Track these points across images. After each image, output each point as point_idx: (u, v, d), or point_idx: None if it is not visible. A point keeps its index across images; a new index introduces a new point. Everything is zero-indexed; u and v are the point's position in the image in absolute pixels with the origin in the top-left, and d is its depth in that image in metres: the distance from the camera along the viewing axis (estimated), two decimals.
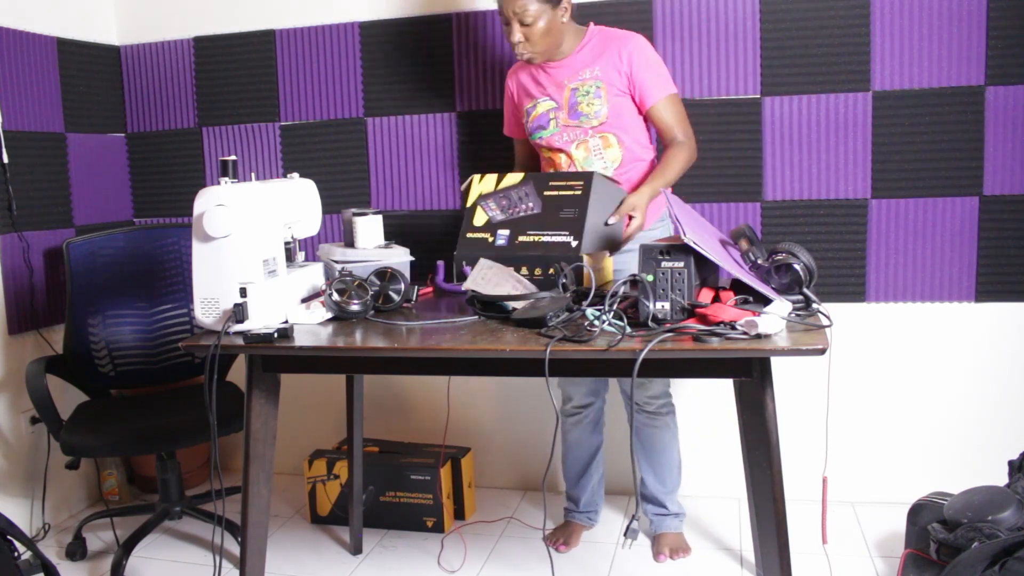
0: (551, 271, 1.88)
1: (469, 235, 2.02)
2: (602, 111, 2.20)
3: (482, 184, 2.10)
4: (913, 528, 2.04)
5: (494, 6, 2.67)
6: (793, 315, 1.62)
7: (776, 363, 1.66)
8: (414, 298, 1.97)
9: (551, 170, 2.32)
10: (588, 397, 2.48)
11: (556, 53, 2.22)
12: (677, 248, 1.62)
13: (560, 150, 2.26)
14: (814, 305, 1.70)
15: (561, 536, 2.53)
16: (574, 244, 1.90)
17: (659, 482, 2.46)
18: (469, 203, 2.08)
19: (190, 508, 2.60)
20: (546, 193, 2.01)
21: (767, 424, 1.62)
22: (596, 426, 2.53)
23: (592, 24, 2.27)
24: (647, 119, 2.26)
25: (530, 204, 2.01)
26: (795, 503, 2.59)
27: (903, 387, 2.63)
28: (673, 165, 2.18)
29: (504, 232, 2.00)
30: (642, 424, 2.42)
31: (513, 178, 2.08)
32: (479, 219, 2.05)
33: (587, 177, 1.98)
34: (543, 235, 1.95)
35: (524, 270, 1.92)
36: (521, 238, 1.97)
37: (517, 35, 2.13)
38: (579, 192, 1.97)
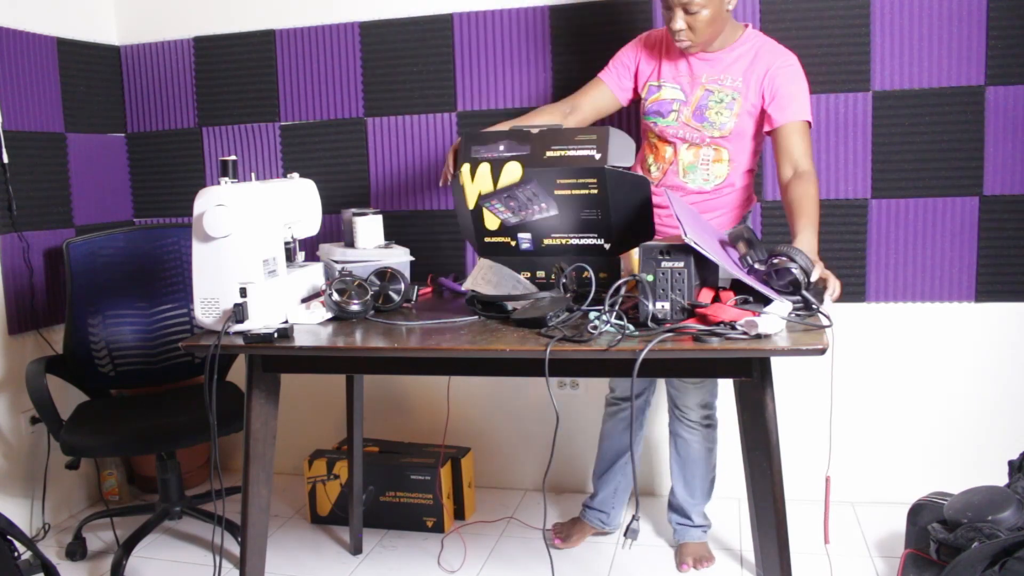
0: (584, 274, 1.82)
1: (487, 239, 1.94)
2: (728, 124, 2.08)
3: (477, 180, 1.91)
4: (913, 528, 2.04)
5: (494, 6, 2.69)
6: (793, 315, 1.62)
7: (776, 363, 1.66)
8: (414, 298, 1.97)
9: (649, 155, 2.21)
10: (628, 391, 2.39)
11: (712, 45, 2.08)
12: (677, 248, 1.62)
13: (670, 142, 2.16)
14: (814, 306, 1.70)
15: (563, 531, 2.52)
16: (607, 247, 1.86)
17: (688, 493, 2.41)
18: (471, 205, 1.94)
19: (190, 508, 2.60)
20: (557, 192, 1.85)
21: (767, 424, 1.62)
22: (629, 426, 2.40)
23: (750, 27, 2.15)
24: (772, 137, 2.07)
25: (543, 204, 1.89)
26: (795, 503, 2.59)
27: (903, 387, 2.63)
28: (816, 203, 1.94)
29: (526, 236, 1.91)
30: (679, 430, 2.35)
31: (511, 173, 1.87)
32: (491, 222, 1.94)
33: (599, 174, 1.81)
34: (570, 238, 1.88)
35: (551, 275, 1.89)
36: (547, 241, 1.90)
37: (680, 22, 1.98)
38: (596, 192, 1.82)
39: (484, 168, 1.90)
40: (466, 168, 1.91)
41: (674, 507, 2.47)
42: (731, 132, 2.09)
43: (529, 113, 2.22)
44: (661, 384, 2.57)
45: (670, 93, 2.14)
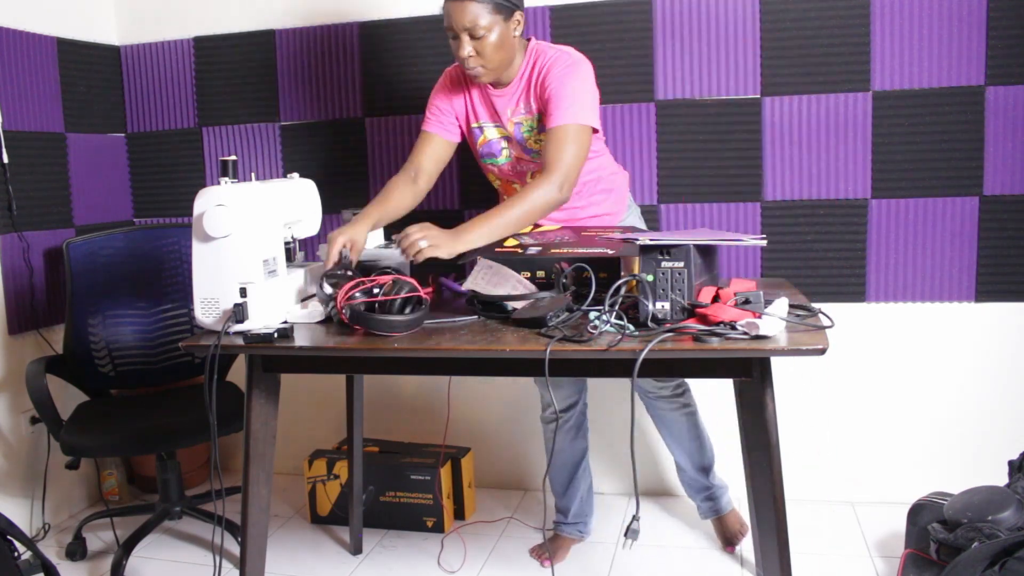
0: (584, 274, 1.84)
1: (497, 250, 1.95)
2: None
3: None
4: (913, 528, 2.04)
5: None
6: (793, 315, 1.62)
7: (776, 363, 1.66)
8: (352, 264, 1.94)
9: (505, 196, 2.24)
10: (569, 399, 2.39)
11: (504, 74, 2.05)
12: (677, 248, 1.62)
13: (514, 180, 2.20)
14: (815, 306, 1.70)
15: (547, 550, 2.46)
16: (611, 252, 1.88)
17: (697, 460, 2.41)
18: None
19: (190, 508, 2.60)
20: (584, 234, 2.01)
21: (767, 424, 1.62)
22: (579, 431, 2.44)
23: (533, 40, 2.10)
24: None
25: (567, 238, 1.99)
26: (795, 503, 2.59)
27: (903, 387, 2.63)
28: (516, 206, 1.92)
29: (536, 248, 1.95)
30: (662, 411, 2.36)
31: (550, 227, 2.10)
32: (509, 242, 1.99)
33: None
34: (577, 248, 1.91)
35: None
36: (554, 250, 1.92)
37: (467, 48, 1.94)
38: (619, 230, 2.01)
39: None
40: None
41: (688, 483, 2.48)
42: None
43: (380, 193, 2.16)
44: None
45: (493, 133, 2.15)
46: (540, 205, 1.93)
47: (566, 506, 2.50)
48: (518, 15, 1.99)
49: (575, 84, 1.99)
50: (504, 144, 2.15)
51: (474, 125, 2.17)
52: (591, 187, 2.18)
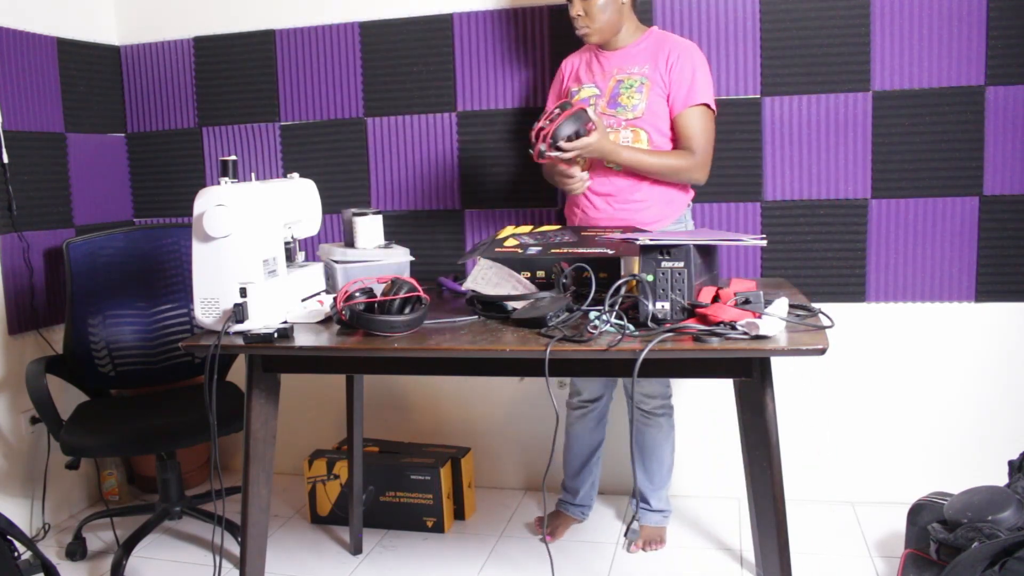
0: (584, 274, 1.85)
1: (497, 250, 2.00)
2: (640, 106, 2.21)
3: (516, 229, 2.15)
4: (913, 528, 2.04)
5: (494, 6, 2.69)
6: (793, 315, 1.62)
7: (776, 363, 1.66)
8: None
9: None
10: (599, 391, 2.51)
11: (613, 39, 2.26)
12: (677, 248, 1.62)
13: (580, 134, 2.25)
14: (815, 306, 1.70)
15: (550, 525, 2.58)
16: (610, 252, 1.89)
17: (647, 479, 2.50)
18: (500, 235, 2.10)
19: (190, 508, 2.60)
20: (584, 234, 2.05)
21: (767, 424, 1.62)
22: (600, 422, 2.55)
23: (655, 27, 2.32)
24: (673, 124, 2.24)
25: (567, 238, 2.04)
26: (795, 503, 2.60)
27: (903, 387, 2.63)
28: (665, 157, 2.20)
29: (536, 248, 1.99)
30: (638, 421, 2.45)
31: (550, 227, 2.15)
32: (509, 243, 2.04)
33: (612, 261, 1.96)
34: (577, 248, 1.94)
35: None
36: (554, 250, 1.95)
37: (579, 8, 2.18)
38: (618, 231, 2.02)
39: (526, 228, 2.15)
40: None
41: (634, 493, 2.50)
42: (644, 113, 2.22)
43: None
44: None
45: (587, 92, 2.30)
46: (684, 172, 2.22)
47: (575, 487, 2.60)
48: None
49: (704, 69, 2.24)
50: (593, 101, 2.28)
51: (574, 88, 2.34)
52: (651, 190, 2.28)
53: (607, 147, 2.12)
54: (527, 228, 2.15)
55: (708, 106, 2.22)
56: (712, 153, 2.25)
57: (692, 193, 2.37)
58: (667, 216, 2.29)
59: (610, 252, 1.87)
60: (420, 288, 1.76)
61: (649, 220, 2.25)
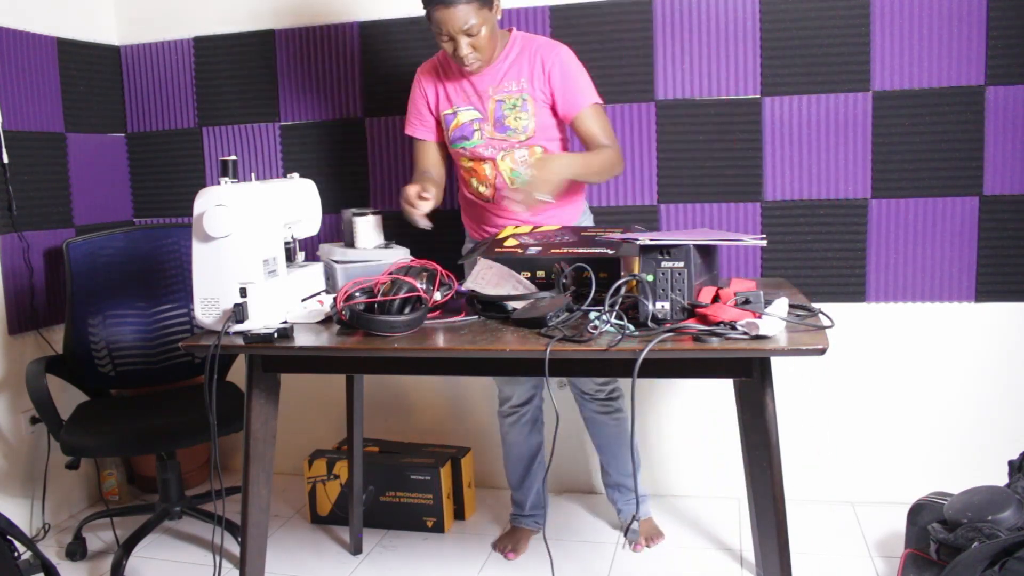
0: (584, 274, 1.84)
1: (497, 249, 1.99)
2: (529, 125, 2.18)
3: (516, 229, 2.13)
4: (913, 528, 2.04)
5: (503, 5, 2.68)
6: (793, 315, 1.62)
7: (776, 363, 1.66)
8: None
9: (472, 179, 2.28)
10: (526, 394, 2.45)
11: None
12: (677, 248, 1.62)
13: (484, 159, 2.23)
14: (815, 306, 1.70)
15: (509, 543, 2.50)
16: (611, 252, 1.88)
17: (619, 467, 2.47)
18: (501, 235, 2.09)
19: (190, 508, 2.60)
20: (584, 234, 2.03)
21: (767, 424, 1.62)
22: (535, 425, 2.50)
23: (514, 30, 2.22)
24: (573, 130, 2.22)
25: (567, 238, 2.01)
26: (795, 503, 2.60)
27: (903, 387, 2.63)
28: (596, 156, 2.13)
29: (536, 248, 1.97)
30: (595, 413, 2.42)
31: (550, 228, 2.12)
32: (509, 243, 2.03)
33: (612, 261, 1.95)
34: (577, 248, 1.93)
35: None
36: (554, 250, 1.94)
37: (466, 48, 2.05)
38: (619, 230, 2.01)
39: (525, 228, 2.12)
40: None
41: (611, 485, 2.53)
42: (536, 131, 2.18)
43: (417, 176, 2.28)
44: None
45: (466, 115, 2.22)
46: (613, 164, 2.16)
47: (522, 498, 2.55)
48: (497, 2, 2.10)
49: (580, 67, 2.18)
50: (476, 125, 2.21)
51: (447, 112, 2.25)
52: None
53: (552, 176, 1.98)
54: (527, 228, 2.14)
55: (598, 103, 2.18)
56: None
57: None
58: (579, 206, 2.33)
59: (610, 252, 1.87)
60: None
61: (571, 215, 2.30)
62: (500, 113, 2.18)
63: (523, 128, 2.18)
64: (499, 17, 2.13)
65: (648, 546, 2.46)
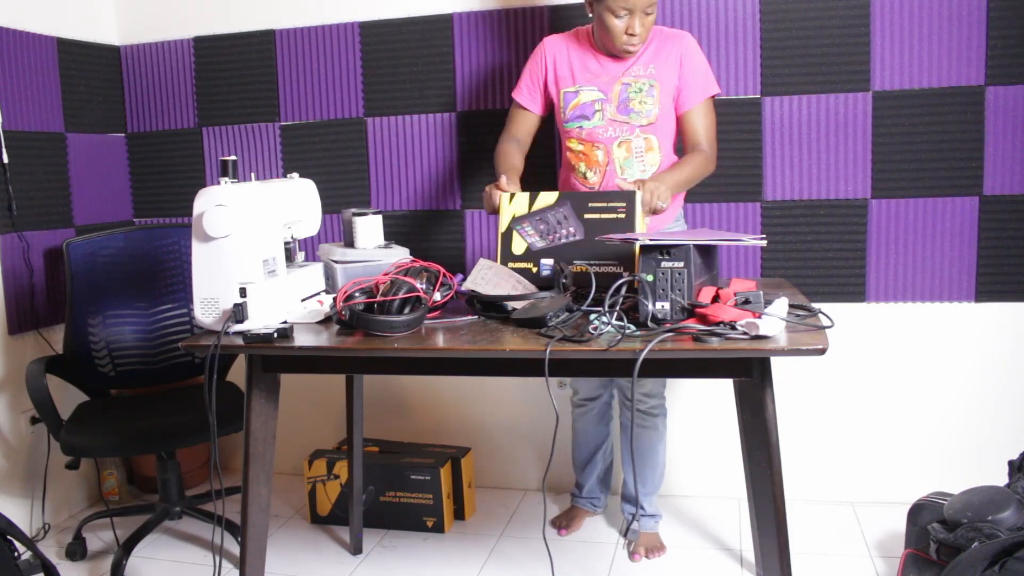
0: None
1: (511, 264, 1.97)
2: (653, 111, 2.17)
3: (513, 205, 2.00)
4: (913, 528, 2.04)
5: (494, 6, 2.69)
6: (793, 315, 1.62)
7: (776, 363, 1.66)
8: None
9: (580, 164, 2.25)
10: (596, 391, 2.53)
11: None
12: (677, 248, 1.62)
13: (599, 144, 2.21)
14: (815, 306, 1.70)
15: (564, 520, 2.62)
16: (624, 274, 1.86)
17: (640, 482, 2.48)
18: (503, 228, 2.00)
19: (190, 508, 2.60)
20: (586, 216, 1.93)
21: (767, 424, 1.62)
22: (602, 419, 2.57)
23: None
24: (678, 121, 2.23)
25: (571, 229, 1.95)
26: (795, 503, 2.60)
27: (903, 387, 2.63)
28: (691, 167, 2.14)
29: (548, 262, 1.94)
30: (634, 423, 2.40)
31: (547, 198, 1.98)
32: (518, 247, 1.98)
33: (628, 198, 1.91)
34: (591, 264, 1.91)
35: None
36: (572, 266, 1.91)
37: (640, 27, 2.08)
38: (623, 215, 1.91)
39: (523, 196, 2.01)
40: (505, 196, 2.03)
41: (627, 498, 2.57)
42: (657, 118, 2.18)
43: (501, 157, 2.27)
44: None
45: (589, 95, 2.21)
46: (705, 169, 2.17)
47: (583, 481, 2.64)
48: None
49: (704, 59, 2.22)
50: (599, 106, 2.20)
51: (568, 90, 2.23)
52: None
53: (662, 191, 1.97)
54: (525, 196, 2.01)
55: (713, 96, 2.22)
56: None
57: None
58: (676, 207, 2.33)
59: (620, 269, 1.88)
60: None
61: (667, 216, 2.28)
62: (625, 95, 2.17)
63: (647, 112, 2.17)
64: None
65: (648, 558, 2.43)
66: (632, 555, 2.45)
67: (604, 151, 2.21)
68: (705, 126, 2.20)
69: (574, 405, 2.60)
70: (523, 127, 2.33)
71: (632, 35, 2.08)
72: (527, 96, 2.31)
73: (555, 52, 2.26)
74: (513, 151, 2.27)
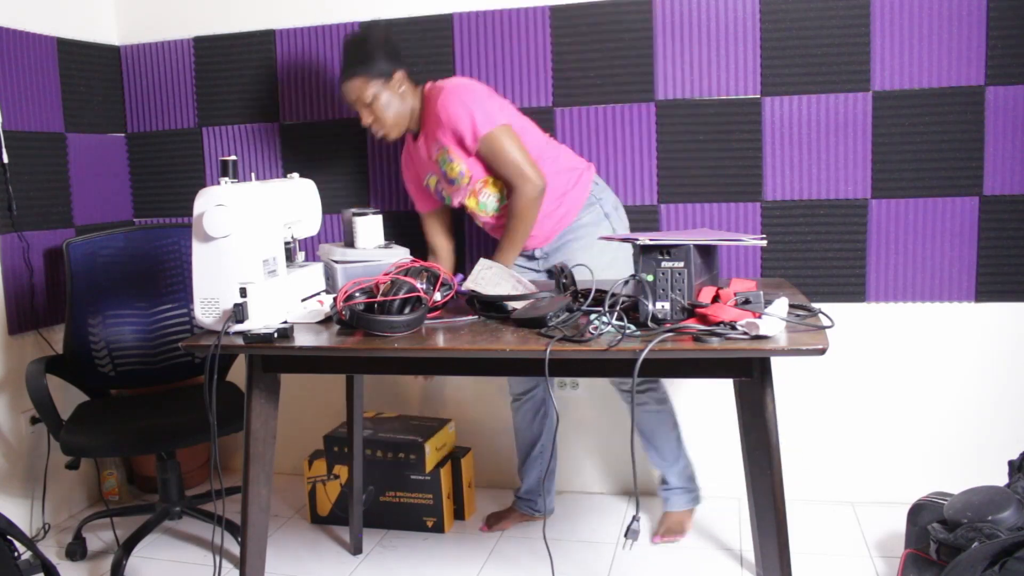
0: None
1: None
2: (464, 170, 2.31)
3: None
4: (913, 528, 2.04)
5: (496, 6, 2.70)
6: (793, 315, 1.62)
7: (776, 363, 1.66)
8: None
9: (476, 221, 2.47)
10: (526, 385, 2.56)
11: (412, 124, 2.37)
12: (677, 248, 1.62)
13: (460, 203, 2.41)
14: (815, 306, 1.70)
15: (493, 519, 2.66)
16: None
17: (660, 457, 2.51)
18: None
19: (190, 508, 2.60)
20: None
21: (767, 424, 1.62)
22: (536, 415, 2.58)
23: (429, 83, 2.38)
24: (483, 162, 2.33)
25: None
26: (795, 503, 2.60)
27: (903, 387, 2.63)
28: (510, 236, 2.27)
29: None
30: (627, 403, 2.48)
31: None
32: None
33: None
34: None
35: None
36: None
37: (367, 119, 2.29)
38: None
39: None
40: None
41: (661, 481, 2.58)
42: (471, 171, 2.31)
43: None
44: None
45: (432, 180, 2.43)
46: (526, 209, 2.24)
47: (521, 481, 2.66)
48: (398, 74, 2.29)
49: (466, 99, 2.24)
50: (440, 186, 2.41)
51: (424, 183, 2.46)
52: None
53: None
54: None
55: (494, 127, 2.24)
56: (526, 157, 2.25)
57: (582, 172, 2.41)
58: (573, 208, 2.37)
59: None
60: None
61: (563, 221, 2.37)
62: (442, 170, 2.35)
63: (459, 174, 2.32)
64: (403, 89, 2.30)
65: (664, 539, 2.46)
66: (652, 536, 2.49)
67: (466, 209, 2.42)
68: (501, 162, 2.25)
69: (511, 402, 2.62)
70: (433, 222, 2.58)
71: (369, 126, 2.31)
72: (423, 202, 2.55)
73: (406, 162, 2.52)
74: (438, 239, 2.59)
